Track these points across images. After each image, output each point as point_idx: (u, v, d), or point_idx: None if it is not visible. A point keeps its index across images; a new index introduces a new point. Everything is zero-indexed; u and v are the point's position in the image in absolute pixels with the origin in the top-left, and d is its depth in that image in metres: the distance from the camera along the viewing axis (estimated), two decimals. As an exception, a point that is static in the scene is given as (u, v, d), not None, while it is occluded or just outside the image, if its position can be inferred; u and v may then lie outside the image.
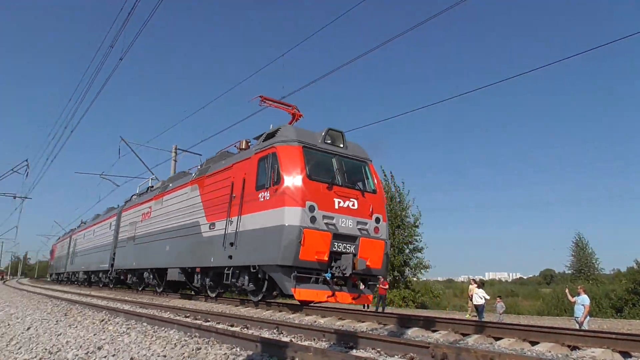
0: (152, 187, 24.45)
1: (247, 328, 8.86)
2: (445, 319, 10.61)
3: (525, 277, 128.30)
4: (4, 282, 69.05)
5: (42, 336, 8.13)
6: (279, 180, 12.97)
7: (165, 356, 5.93)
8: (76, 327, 8.64)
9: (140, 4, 12.30)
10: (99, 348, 6.64)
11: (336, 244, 12.67)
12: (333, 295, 12.66)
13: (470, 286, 24.76)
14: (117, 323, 9.03)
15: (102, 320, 9.44)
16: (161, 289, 20.93)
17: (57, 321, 9.69)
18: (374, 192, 13.97)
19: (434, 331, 8.99)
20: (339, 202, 13.03)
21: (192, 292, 19.69)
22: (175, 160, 36.38)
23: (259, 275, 13.64)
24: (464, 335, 8.48)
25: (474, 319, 18.62)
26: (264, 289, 13.84)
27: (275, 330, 8.43)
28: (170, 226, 18.82)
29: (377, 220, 13.57)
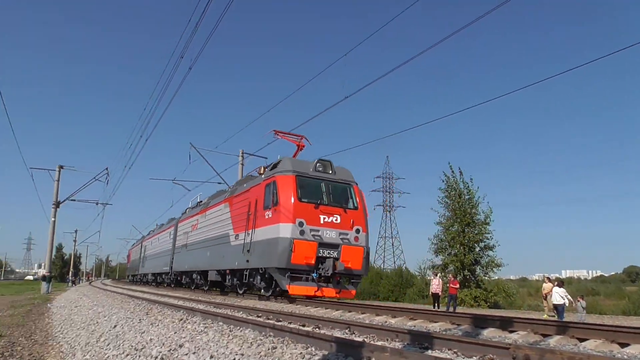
0: (200, 202, 28.97)
1: (319, 328, 8.93)
2: (523, 318, 10.25)
3: (606, 275, 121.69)
4: (90, 283, 73.73)
5: (127, 334, 8.56)
6: (277, 202, 17.01)
7: (242, 354, 6.08)
8: (157, 325, 9.02)
9: (207, 12, 12.69)
10: (180, 346, 6.90)
11: (321, 250, 16.44)
12: (319, 290, 16.50)
13: (545, 284, 23.77)
14: (195, 322, 9.35)
15: (181, 320, 9.81)
16: (207, 288, 24.74)
17: (139, 320, 10.17)
18: (355, 208, 17.58)
19: (511, 331, 8.71)
20: (324, 218, 16.83)
21: (226, 290, 23.38)
22: (243, 164, 37.21)
23: (266, 276, 17.73)
24: (545, 336, 8.15)
25: (552, 319, 17.88)
26: (273, 286, 17.72)
27: (347, 330, 8.44)
28: (211, 236, 23.18)
29: (357, 231, 17.18)
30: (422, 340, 6.78)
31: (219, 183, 31.29)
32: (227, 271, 20.82)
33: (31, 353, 9.00)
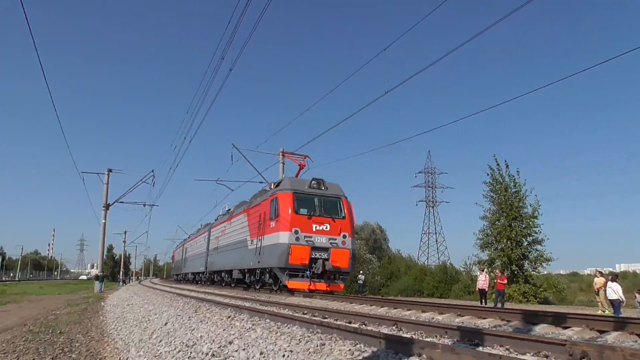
0: (229, 210, 33.26)
1: (365, 325, 8.89)
2: (576, 314, 9.91)
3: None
4: (140, 282, 75.86)
5: (178, 331, 8.74)
6: (278, 214, 20.95)
7: (291, 351, 6.10)
8: (207, 322, 9.17)
9: (246, 13, 12.79)
10: (230, 342, 6.99)
11: (314, 253, 20.21)
12: (312, 284, 20.14)
13: (596, 279, 22.94)
14: (243, 319, 9.45)
15: (229, 317, 9.94)
16: (233, 285, 28.79)
17: (189, 317, 10.37)
18: (343, 218, 21.20)
19: (564, 328, 8.43)
20: (316, 226, 20.56)
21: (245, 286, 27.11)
22: (283, 163, 37.47)
23: (272, 274, 21.72)
24: (601, 332, 7.85)
25: (607, 314, 17.23)
26: (278, 282, 21.54)
27: (394, 327, 8.37)
28: (234, 240, 27.67)
29: (344, 236, 20.84)
30: (473, 337, 6.64)
31: (261, 182, 33.25)
32: (246, 270, 25.08)
33: (88, 349, 9.32)
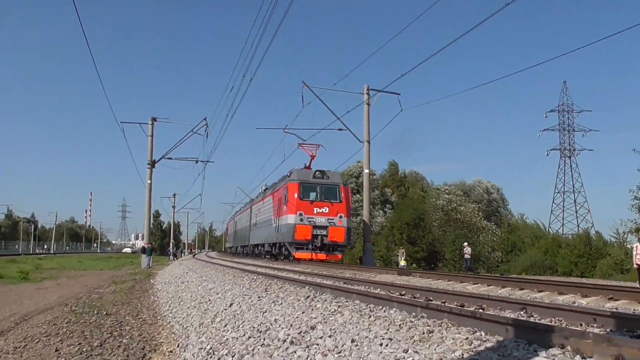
0: (266, 188, 46.74)
1: (483, 309, 8.80)
2: None
3: None
4: (194, 255, 79.55)
5: (246, 313, 9.07)
6: (287, 200, 32.06)
7: (391, 339, 6.15)
8: (281, 304, 9.45)
9: None
10: (312, 328, 7.16)
11: (315, 230, 31.18)
12: (313, 255, 31.12)
13: None
14: (325, 300, 9.65)
15: (308, 297, 10.18)
16: (264, 256, 40.51)
17: (258, 297, 10.72)
18: (340, 202, 32.03)
19: None
20: (317, 209, 31.51)
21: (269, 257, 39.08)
22: (369, 104, 37.28)
23: (284, 247, 33.77)
24: None
25: None
26: (288, 254, 33.09)
27: (522, 312, 8.24)
28: (265, 218, 40.07)
29: (340, 217, 31.56)
30: (634, 326, 6.40)
31: (340, 130, 38.17)
32: (272, 244, 37.04)
33: (141, 333, 9.91)
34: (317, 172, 32.90)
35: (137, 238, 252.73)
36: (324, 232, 31.42)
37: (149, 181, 42.38)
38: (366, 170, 38.71)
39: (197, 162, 48.48)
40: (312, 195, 32.08)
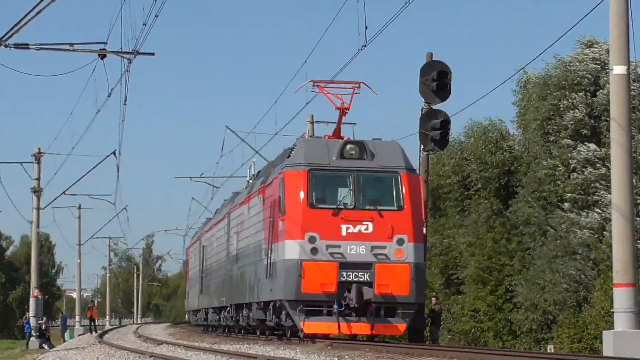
0: (253, 176, 27.62)
1: None
2: None
3: None
4: (98, 333, 42.70)
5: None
6: (283, 209, 18.51)
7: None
8: None
9: None
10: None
11: (345, 273, 17.64)
12: (341, 325, 17.73)
13: None
14: None
15: None
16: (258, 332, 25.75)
17: None
18: (400, 208, 18.16)
19: None
20: (347, 228, 17.85)
21: None
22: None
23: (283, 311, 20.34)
24: None
25: None
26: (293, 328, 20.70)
27: None
28: (248, 244, 24.71)
29: (400, 242, 17.81)
30: None
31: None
32: (263, 304, 22.48)
33: None
34: (348, 145, 18.56)
35: None
36: (366, 277, 17.65)
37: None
38: None
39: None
40: (337, 196, 18.36)
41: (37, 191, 41.31)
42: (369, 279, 17.67)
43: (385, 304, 17.96)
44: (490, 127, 38.82)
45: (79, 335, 51.75)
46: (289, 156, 19.79)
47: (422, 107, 21.10)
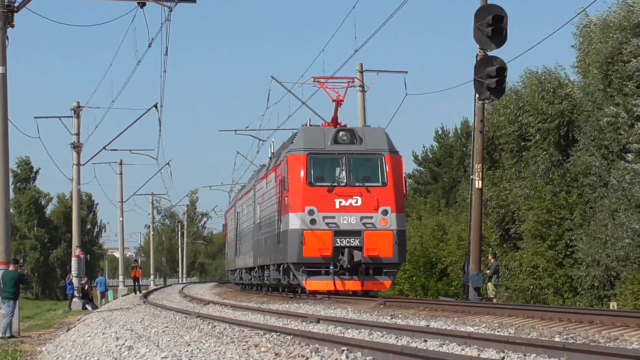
0: (273, 154, 31.91)
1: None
2: None
3: None
4: (143, 294, 44.06)
5: None
6: (287, 187, 23.47)
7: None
8: None
9: None
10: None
11: (339, 239, 22.23)
12: (336, 283, 22.42)
13: None
14: None
15: None
16: (265, 290, 33.96)
17: None
18: (384, 184, 22.75)
19: None
20: (340, 202, 22.47)
21: None
22: (364, 90, 33.61)
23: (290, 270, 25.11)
24: None
25: None
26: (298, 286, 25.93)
27: None
28: (265, 215, 30.17)
29: (385, 212, 22.38)
30: None
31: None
32: (276, 266, 27.51)
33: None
34: (341, 132, 23.11)
35: None
36: (356, 242, 22.19)
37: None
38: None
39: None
40: (332, 175, 22.96)
41: (76, 147, 40.92)
42: (359, 244, 22.21)
43: (373, 265, 22.63)
44: (547, 76, 38.02)
45: (123, 295, 51.79)
46: (292, 142, 24.74)
47: (477, 54, 20.90)
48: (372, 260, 22.30)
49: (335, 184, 22.71)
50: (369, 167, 23.10)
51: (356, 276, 22.34)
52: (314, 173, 22.83)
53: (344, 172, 22.77)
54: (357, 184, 22.67)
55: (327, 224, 22.27)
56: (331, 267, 22.10)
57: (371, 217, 22.38)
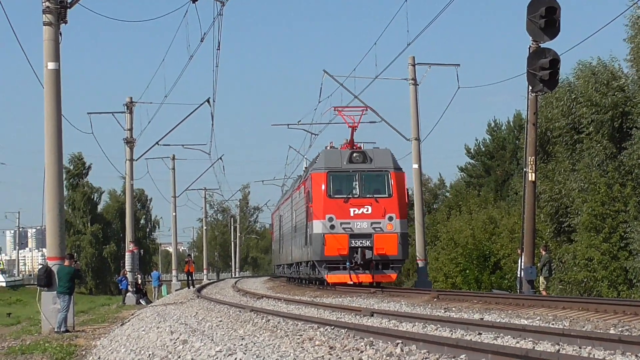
0: (307, 168, 36.56)
1: None
2: None
3: None
4: (197, 288, 41.44)
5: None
6: (311, 199, 28.51)
7: None
8: None
9: None
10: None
11: (353, 241, 27.12)
12: (352, 276, 27.29)
13: None
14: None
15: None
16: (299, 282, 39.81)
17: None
18: (390, 196, 27.63)
19: None
20: (354, 210, 27.33)
21: None
22: (416, 84, 33.72)
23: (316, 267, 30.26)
24: None
25: None
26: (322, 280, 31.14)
27: None
28: (298, 221, 35.46)
29: (390, 218, 27.31)
30: None
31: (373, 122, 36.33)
32: (305, 263, 33.16)
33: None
34: (354, 154, 28.09)
35: (21, 243, 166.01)
36: (367, 243, 27.21)
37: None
38: (415, 166, 33.98)
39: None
40: (348, 189, 27.97)
41: (129, 142, 40.91)
42: (370, 245, 27.00)
43: (381, 261, 27.34)
44: (601, 68, 37.28)
45: (176, 290, 51.79)
46: (315, 162, 30.31)
47: (530, 46, 20.67)
48: (380, 258, 27.10)
49: (350, 196, 27.63)
50: (378, 181, 27.88)
51: (368, 270, 27.29)
52: (333, 187, 27.83)
53: (357, 186, 27.73)
54: (367, 196, 27.56)
55: (343, 228, 27.22)
56: (347, 264, 27.01)
57: (379, 223, 27.22)
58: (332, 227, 27.14)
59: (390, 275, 27.85)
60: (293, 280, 43.21)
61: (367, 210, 27.26)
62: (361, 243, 26.97)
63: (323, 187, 27.62)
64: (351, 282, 27.38)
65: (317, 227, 27.53)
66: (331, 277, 27.57)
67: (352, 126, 30.02)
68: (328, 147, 31.02)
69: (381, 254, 26.93)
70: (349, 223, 27.18)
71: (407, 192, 30.06)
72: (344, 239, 26.98)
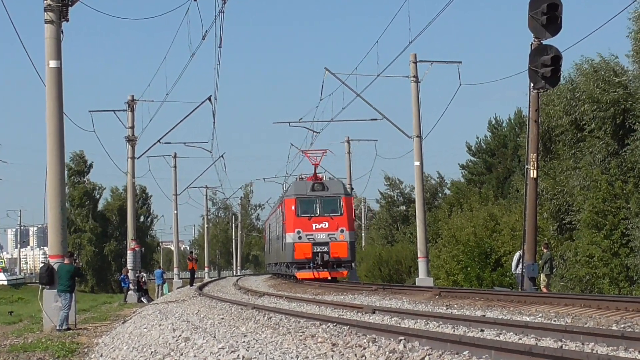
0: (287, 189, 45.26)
1: None
2: None
3: None
4: (198, 286, 41.83)
5: None
6: (284, 217, 38.30)
7: None
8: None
9: None
10: None
11: (315, 248, 36.00)
12: (315, 273, 35.96)
13: None
14: None
15: None
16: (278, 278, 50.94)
17: None
18: (341, 215, 36.63)
19: None
20: (316, 225, 36.29)
21: None
22: (417, 81, 34.08)
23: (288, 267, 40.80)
24: None
25: None
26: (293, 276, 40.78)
27: None
28: (278, 232, 45.01)
29: (342, 231, 36.28)
30: None
31: (374, 119, 41.21)
32: (282, 263, 42.75)
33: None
34: (315, 184, 37.07)
35: (22, 241, 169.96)
36: (325, 249, 35.71)
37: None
38: (417, 163, 35.48)
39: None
40: (311, 210, 36.50)
41: (131, 140, 41.04)
42: (327, 250, 35.68)
43: (336, 262, 35.94)
44: (602, 64, 37.21)
45: (178, 288, 51.72)
46: (287, 190, 40.11)
47: (532, 43, 20.64)
48: (335, 260, 35.84)
49: (313, 215, 36.25)
50: (333, 204, 36.66)
51: (326, 269, 35.78)
52: (300, 208, 36.51)
53: (317, 207, 36.48)
54: (325, 215, 36.25)
55: (308, 239, 35.82)
56: (311, 264, 35.77)
57: (334, 234, 35.99)
58: (300, 237, 35.91)
59: (342, 272, 36.85)
60: (277, 276, 52.68)
61: (325, 225, 36.10)
62: (321, 249, 35.68)
63: (293, 208, 36.57)
64: (314, 278, 35.49)
65: (289, 237, 36.40)
66: (300, 274, 36.32)
67: (315, 164, 40.11)
68: (298, 179, 41.06)
69: (336, 257, 35.73)
70: (312, 235, 35.90)
71: (354, 211, 41.57)
72: (309, 246, 35.63)
